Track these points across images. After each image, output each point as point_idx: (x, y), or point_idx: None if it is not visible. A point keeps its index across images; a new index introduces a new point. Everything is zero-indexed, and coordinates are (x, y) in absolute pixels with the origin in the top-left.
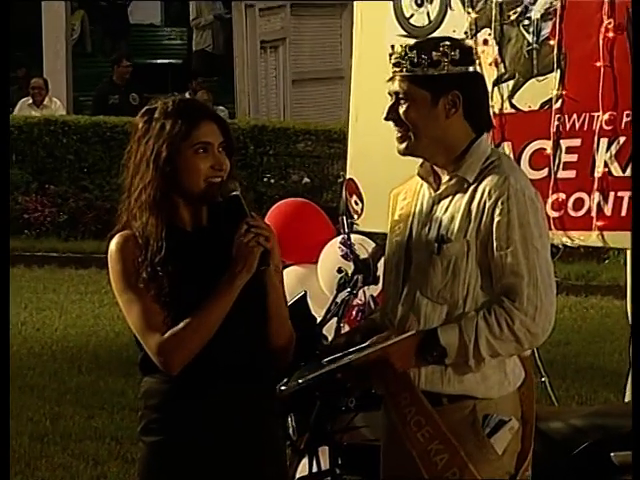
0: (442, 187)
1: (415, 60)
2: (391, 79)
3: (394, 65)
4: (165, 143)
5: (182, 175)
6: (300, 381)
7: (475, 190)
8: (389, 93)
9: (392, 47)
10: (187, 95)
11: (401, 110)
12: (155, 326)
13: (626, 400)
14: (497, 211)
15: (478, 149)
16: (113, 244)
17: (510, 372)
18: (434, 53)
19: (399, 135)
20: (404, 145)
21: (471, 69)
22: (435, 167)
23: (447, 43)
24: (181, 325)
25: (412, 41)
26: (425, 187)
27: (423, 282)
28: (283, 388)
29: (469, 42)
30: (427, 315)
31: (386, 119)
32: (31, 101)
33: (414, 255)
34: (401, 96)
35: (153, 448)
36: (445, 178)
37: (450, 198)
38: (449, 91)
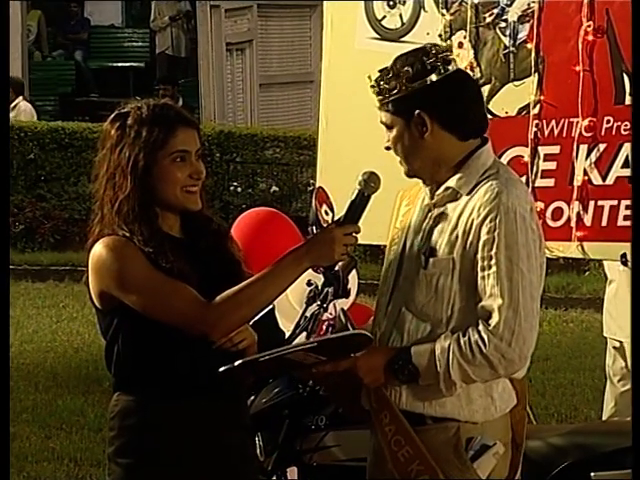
0: (436, 197)
1: (378, 88)
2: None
3: (374, 94)
4: (142, 152)
5: (159, 185)
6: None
7: (466, 204)
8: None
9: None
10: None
11: (389, 139)
12: (196, 297)
13: (604, 418)
14: (484, 229)
15: (477, 161)
16: (102, 247)
17: (497, 397)
18: (389, 77)
19: (399, 160)
20: (404, 170)
21: (434, 78)
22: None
23: (398, 62)
24: (235, 290)
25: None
26: (425, 192)
27: (409, 296)
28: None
29: (428, 45)
30: (410, 331)
31: (386, 149)
32: None
33: (405, 266)
34: (385, 126)
35: (130, 470)
36: (439, 188)
37: (443, 208)
38: (414, 111)
